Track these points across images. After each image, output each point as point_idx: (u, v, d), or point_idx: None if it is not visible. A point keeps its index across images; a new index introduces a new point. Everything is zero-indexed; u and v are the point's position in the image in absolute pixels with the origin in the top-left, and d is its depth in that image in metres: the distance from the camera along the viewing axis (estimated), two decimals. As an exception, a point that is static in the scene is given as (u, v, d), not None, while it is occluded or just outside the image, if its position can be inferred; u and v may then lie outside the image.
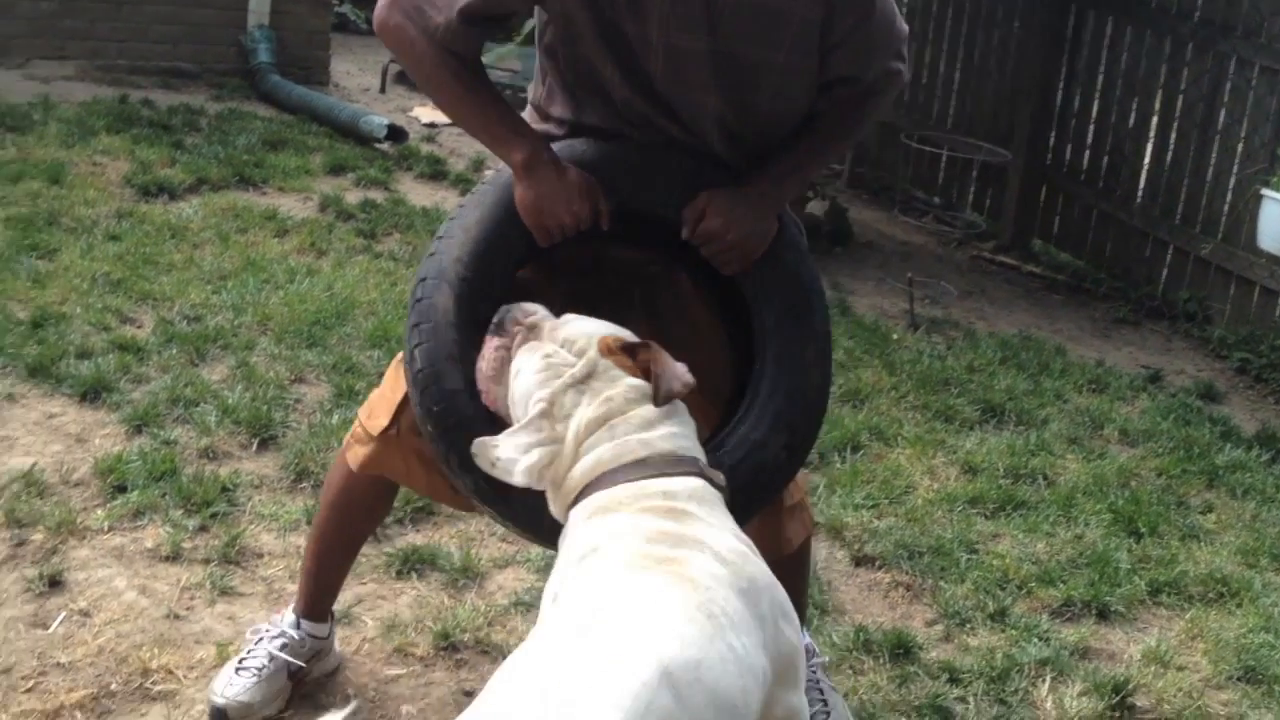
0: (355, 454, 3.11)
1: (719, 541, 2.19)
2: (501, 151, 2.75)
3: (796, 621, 2.29)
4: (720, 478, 2.37)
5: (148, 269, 5.87)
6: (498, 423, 2.51)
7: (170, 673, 3.37)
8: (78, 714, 3.19)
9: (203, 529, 3.99)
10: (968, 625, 3.96)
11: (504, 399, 2.51)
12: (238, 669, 3.26)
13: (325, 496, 3.29)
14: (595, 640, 1.94)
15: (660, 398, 2.35)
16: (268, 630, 3.34)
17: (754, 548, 2.28)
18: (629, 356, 2.39)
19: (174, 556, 3.85)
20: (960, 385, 5.81)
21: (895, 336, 6.46)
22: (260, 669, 3.25)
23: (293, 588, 3.60)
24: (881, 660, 3.73)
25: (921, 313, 6.93)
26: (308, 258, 6.35)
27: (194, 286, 5.73)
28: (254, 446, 4.49)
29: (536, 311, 2.52)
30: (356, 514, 3.27)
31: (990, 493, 4.76)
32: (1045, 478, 4.98)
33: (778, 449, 2.72)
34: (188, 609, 3.65)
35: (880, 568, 4.25)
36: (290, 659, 3.29)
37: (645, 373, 2.38)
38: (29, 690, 3.26)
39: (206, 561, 3.84)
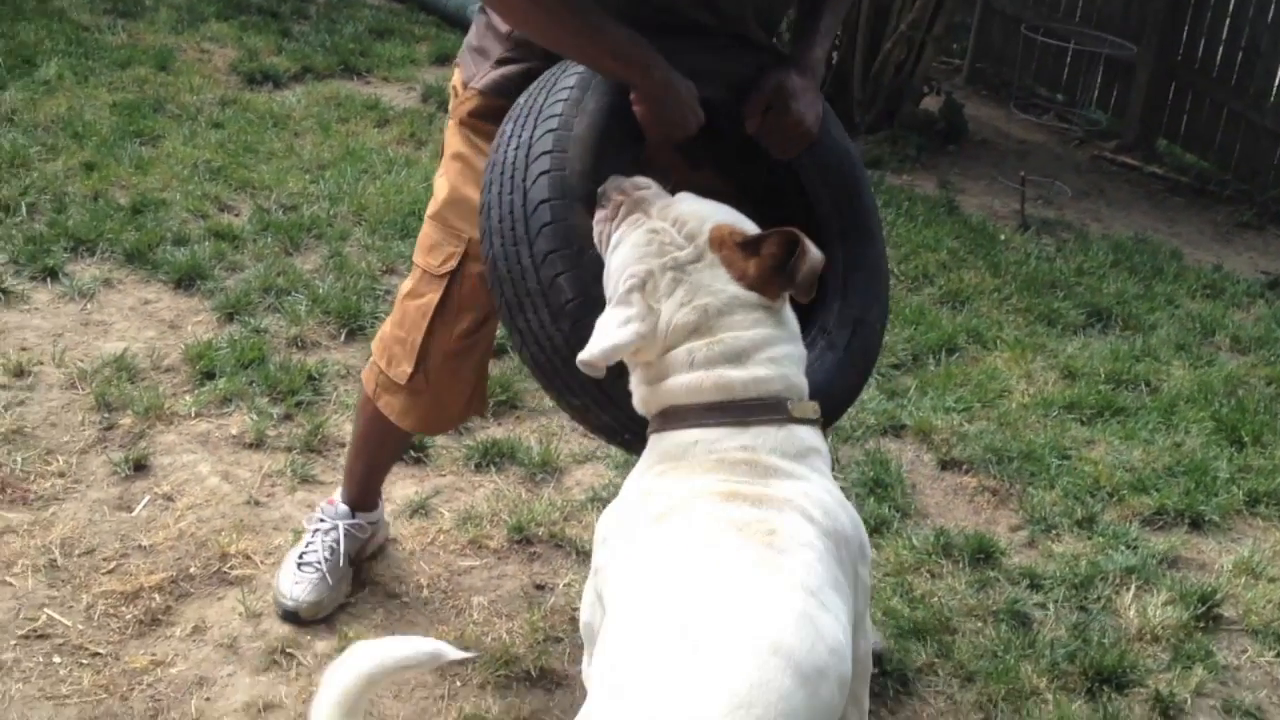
0: (389, 405, 3.07)
1: (806, 497, 2.06)
2: (632, 73, 2.51)
3: (870, 559, 2.23)
4: (814, 410, 2.19)
5: (248, 157, 5.91)
6: None
7: (248, 558, 3.43)
8: (156, 596, 3.26)
9: (287, 417, 4.04)
10: (1053, 532, 3.87)
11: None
12: (300, 564, 3.30)
13: (360, 425, 3.27)
14: (705, 634, 1.85)
15: (800, 288, 2.15)
16: (322, 522, 3.37)
17: (840, 495, 2.17)
18: (745, 253, 2.18)
19: (258, 444, 3.90)
20: (1067, 288, 5.64)
21: (1003, 237, 6.27)
22: (321, 563, 3.29)
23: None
24: (961, 565, 3.66)
25: (1033, 213, 6.73)
26: (406, 148, 6.33)
27: (292, 175, 5.75)
28: (342, 337, 4.51)
29: (649, 186, 2.32)
30: (394, 439, 3.28)
31: (1088, 398, 4.63)
32: (1148, 384, 4.82)
33: (876, 320, 2.72)
34: (268, 496, 3.70)
35: (967, 472, 4.16)
36: (348, 548, 3.34)
37: (760, 270, 2.17)
38: (110, 571, 3.34)
39: (289, 449, 3.89)
